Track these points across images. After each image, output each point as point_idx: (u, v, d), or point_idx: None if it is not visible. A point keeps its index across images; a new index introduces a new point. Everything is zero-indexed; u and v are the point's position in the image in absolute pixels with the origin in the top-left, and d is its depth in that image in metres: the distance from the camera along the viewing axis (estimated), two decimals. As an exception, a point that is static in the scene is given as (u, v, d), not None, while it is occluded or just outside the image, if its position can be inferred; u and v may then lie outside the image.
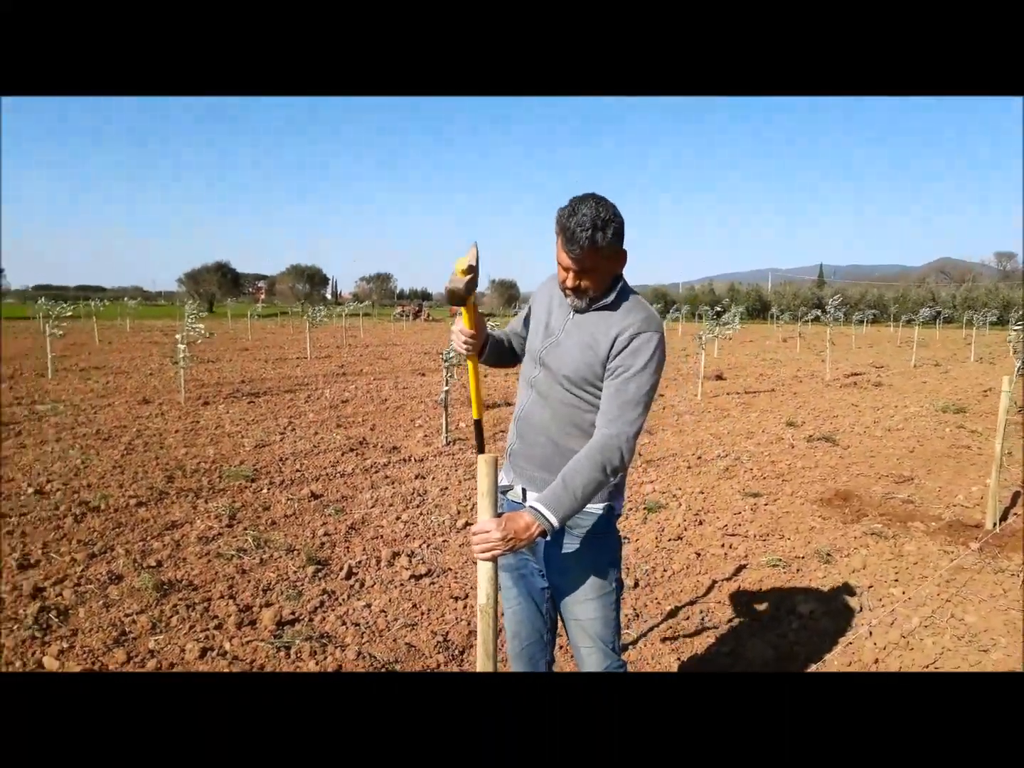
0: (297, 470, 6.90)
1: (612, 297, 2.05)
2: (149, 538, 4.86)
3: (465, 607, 3.93)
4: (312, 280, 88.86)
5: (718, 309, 15.77)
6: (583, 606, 2.15)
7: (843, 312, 18.82)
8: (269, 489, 6.18)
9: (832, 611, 3.86)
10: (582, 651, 2.18)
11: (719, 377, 15.86)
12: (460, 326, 2.05)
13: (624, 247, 2.01)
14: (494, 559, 1.81)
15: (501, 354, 2.31)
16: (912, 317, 40.64)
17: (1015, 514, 5.51)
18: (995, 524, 5.16)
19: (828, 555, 4.73)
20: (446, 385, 8.48)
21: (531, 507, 1.87)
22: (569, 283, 2.00)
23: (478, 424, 2.18)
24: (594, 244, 1.90)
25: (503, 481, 2.25)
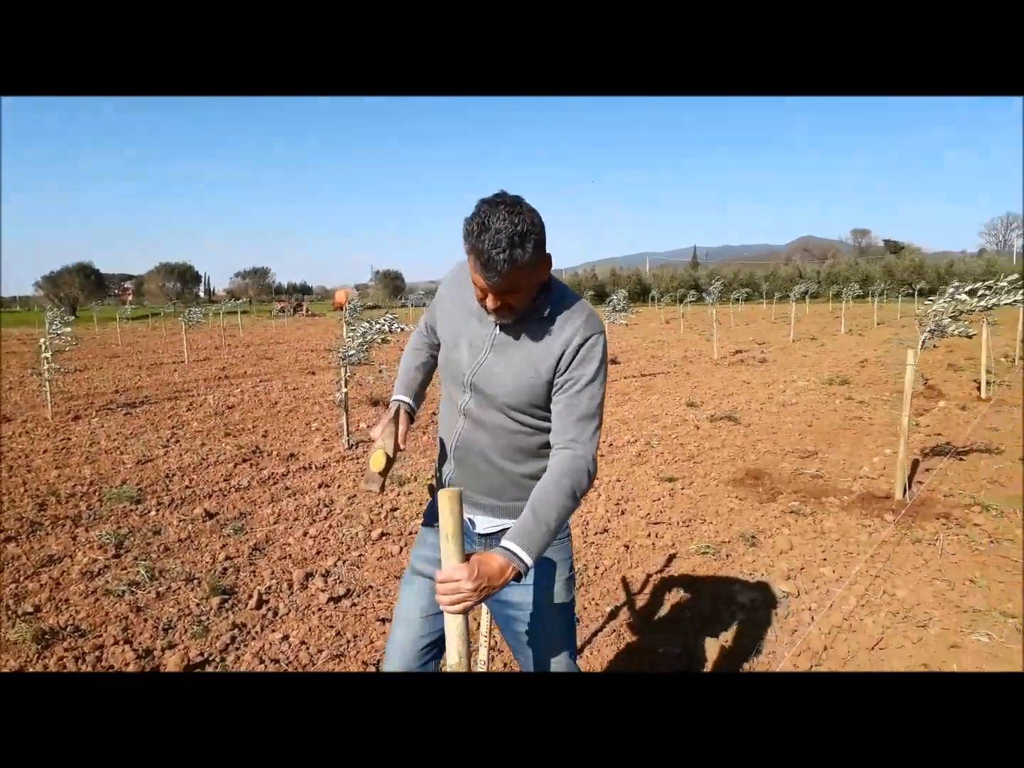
0: (187, 487, 6.36)
1: (542, 307, 1.80)
2: (22, 578, 4.28)
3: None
4: (183, 278, 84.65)
5: (610, 296, 15.84)
6: (552, 619, 1.99)
7: (719, 292, 19.43)
8: (158, 510, 5.64)
9: (770, 598, 3.82)
10: (552, 664, 1.99)
11: (613, 361, 16.04)
12: (370, 464, 1.85)
13: (547, 251, 1.72)
14: (465, 612, 1.53)
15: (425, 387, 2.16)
16: (786, 294, 42.77)
17: (918, 482, 5.70)
18: (904, 494, 5.31)
19: (753, 537, 4.71)
20: (344, 386, 8.07)
21: (504, 548, 1.60)
22: (490, 305, 1.72)
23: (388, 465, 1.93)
24: (514, 264, 1.60)
25: None
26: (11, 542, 4.88)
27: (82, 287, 76.23)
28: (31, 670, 3.22)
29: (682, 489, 5.96)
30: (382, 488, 1.83)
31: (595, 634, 3.59)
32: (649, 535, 4.90)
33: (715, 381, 12.49)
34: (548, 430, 1.84)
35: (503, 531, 1.90)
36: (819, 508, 5.28)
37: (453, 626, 1.53)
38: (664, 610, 3.79)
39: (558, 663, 2.00)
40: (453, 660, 1.52)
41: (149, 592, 4.10)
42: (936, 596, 3.71)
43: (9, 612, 3.79)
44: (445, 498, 1.49)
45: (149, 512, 5.61)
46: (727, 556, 4.48)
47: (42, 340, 10.64)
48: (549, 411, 1.83)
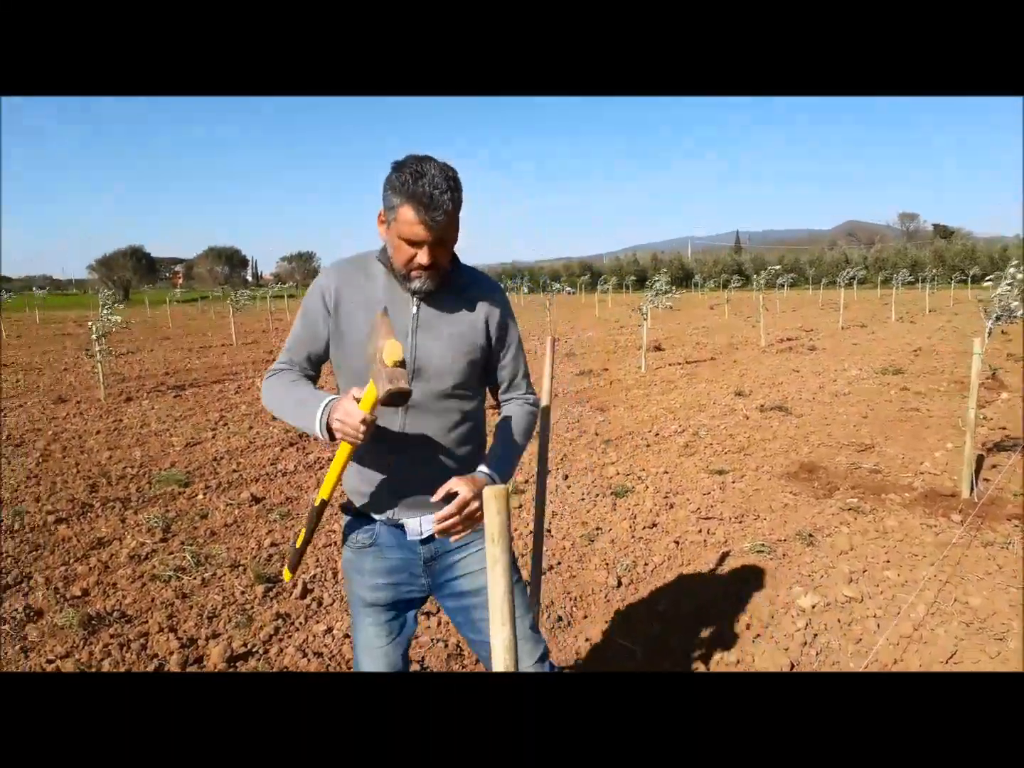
0: (234, 470, 6.38)
1: (457, 277, 1.83)
2: (72, 561, 4.31)
3: (439, 624, 3.56)
4: (231, 262, 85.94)
5: (656, 280, 15.58)
6: (473, 597, 1.92)
7: (765, 278, 19.00)
8: (205, 494, 5.66)
9: (833, 603, 3.64)
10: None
11: (658, 348, 15.80)
12: (358, 412, 1.56)
13: None
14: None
15: None
16: (832, 280, 41.77)
17: (985, 480, 5.44)
18: (971, 492, 5.07)
19: (810, 536, 4.53)
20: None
21: (484, 472, 1.75)
22: (425, 260, 1.67)
23: (321, 509, 1.83)
24: (455, 204, 1.65)
25: (384, 515, 1.86)
26: (62, 523, 4.93)
27: (134, 270, 78.07)
28: (77, 656, 3.21)
29: (733, 483, 5.78)
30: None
31: (646, 637, 3.47)
32: (700, 531, 4.75)
33: (763, 369, 12.18)
34: (476, 409, 1.89)
35: None
36: (879, 505, 5.06)
37: (500, 639, 1.41)
38: (719, 614, 3.64)
39: (523, 638, 1.92)
40: (501, 632, 1.40)
41: (195, 578, 4.09)
42: (1013, 605, 3.49)
43: (58, 596, 3.81)
44: (493, 497, 1.38)
45: (196, 495, 5.63)
46: (783, 555, 4.31)
47: (92, 323, 10.81)
48: (482, 384, 1.92)
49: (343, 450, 1.68)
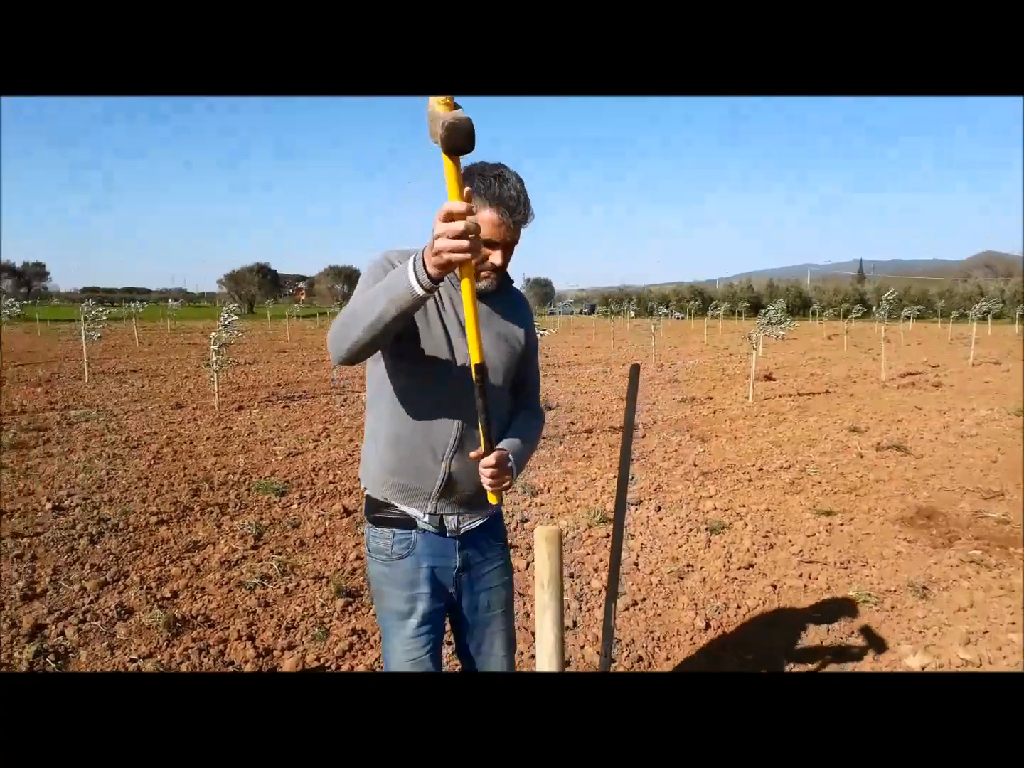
0: (330, 482, 6.49)
1: (506, 280, 1.92)
2: (167, 562, 4.46)
3: (519, 654, 3.44)
4: (350, 280, 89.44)
5: (767, 307, 15.05)
6: (507, 615, 2.04)
7: (888, 309, 17.92)
8: (300, 504, 5.77)
9: (946, 666, 3.29)
10: (505, 661, 2.03)
11: (768, 378, 15.17)
12: (452, 205, 1.40)
13: None
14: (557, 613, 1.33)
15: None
16: (963, 313, 39.25)
17: None
18: (1116, 553, 4.53)
19: (924, 588, 4.14)
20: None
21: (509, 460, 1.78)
22: (499, 261, 1.76)
23: (481, 370, 1.60)
24: (530, 207, 1.75)
25: (427, 510, 1.87)
26: (163, 525, 5.12)
27: (260, 286, 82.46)
28: (158, 658, 3.28)
29: (841, 525, 5.39)
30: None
31: (733, 685, 3.23)
32: (801, 575, 4.43)
33: (882, 405, 11.47)
34: (510, 410, 1.97)
35: (480, 527, 1.93)
36: (1007, 559, 4.59)
37: (548, 635, 1.28)
38: (813, 667, 3.36)
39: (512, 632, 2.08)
40: (544, 668, 1.28)
41: (279, 587, 4.14)
42: None
43: (149, 596, 3.93)
44: (544, 539, 1.26)
45: (291, 505, 5.75)
46: (891, 608, 3.95)
47: (212, 333, 11.37)
48: (514, 387, 1.97)
49: (467, 285, 1.49)
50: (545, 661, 1.31)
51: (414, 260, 1.48)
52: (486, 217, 1.68)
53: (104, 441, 8.03)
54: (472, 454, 1.71)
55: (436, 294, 1.80)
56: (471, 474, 1.79)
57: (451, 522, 1.88)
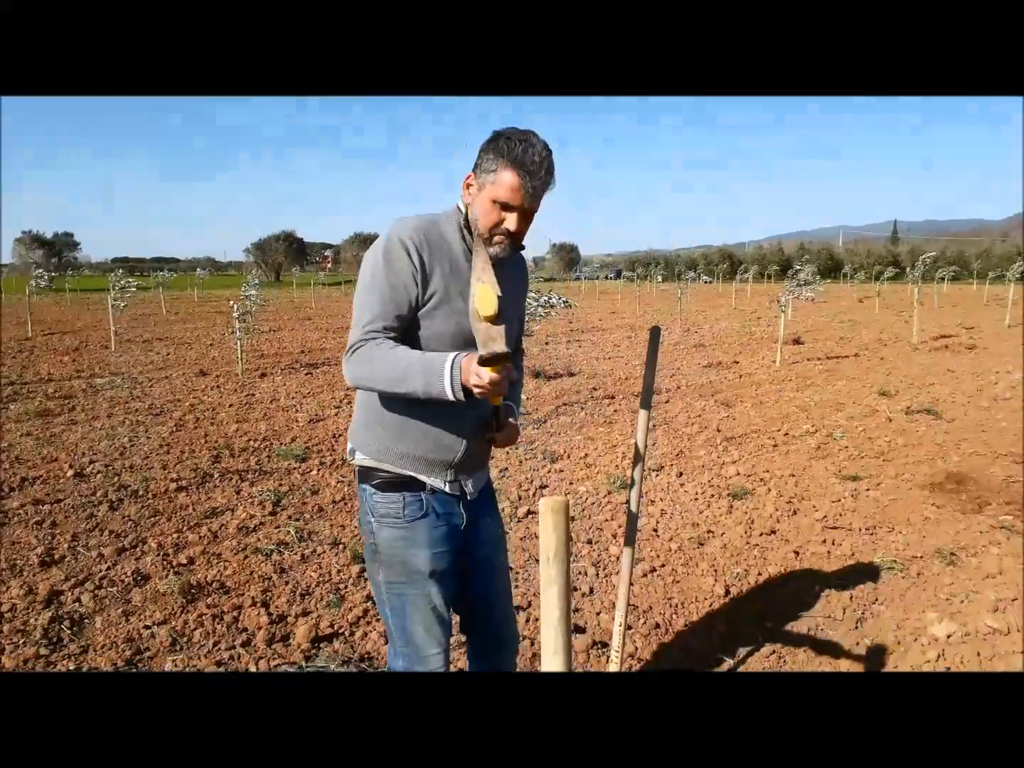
0: (349, 448, 6.47)
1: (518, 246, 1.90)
2: (185, 528, 4.47)
3: (528, 620, 3.41)
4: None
5: (796, 268, 14.72)
6: (505, 564, 2.19)
7: (922, 268, 17.35)
8: (319, 470, 5.76)
9: (973, 634, 3.19)
10: (505, 628, 2.15)
11: (796, 341, 14.90)
12: (486, 374, 1.57)
13: None
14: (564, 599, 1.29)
15: None
16: (1001, 274, 38.17)
17: None
18: None
19: (952, 555, 4.03)
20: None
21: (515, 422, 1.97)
22: (513, 226, 1.74)
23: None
24: (552, 180, 1.74)
25: (444, 479, 1.92)
26: (182, 492, 5.14)
27: (286, 254, 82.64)
28: (172, 624, 3.29)
29: (867, 490, 5.27)
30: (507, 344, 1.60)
31: (751, 652, 3.16)
32: (824, 541, 4.33)
33: (913, 368, 11.21)
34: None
35: (483, 489, 2.06)
36: (1039, 526, 4.45)
37: (553, 611, 1.20)
38: (836, 635, 3.28)
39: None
40: (553, 661, 1.20)
41: (295, 554, 4.13)
42: None
43: (166, 562, 3.94)
44: (550, 510, 1.17)
45: (311, 471, 5.74)
46: (918, 575, 3.85)
47: (233, 301, 11.38)
48: None
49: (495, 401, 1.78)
50: (550, 636, 1.23)
51: (451, 370, 1.60)
52: (505, 179, 1.69)
53: (128, 408, 8.10)
54: (488, 436, 1.89)
55: (459, 269, 1.84)
56: (483, 442, 1.93)
57: (469, 485, 1.95)
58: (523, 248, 1.89)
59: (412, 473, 1.86)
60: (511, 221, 1.73)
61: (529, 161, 1.67)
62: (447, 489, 1.90)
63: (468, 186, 1.80)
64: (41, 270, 18.20)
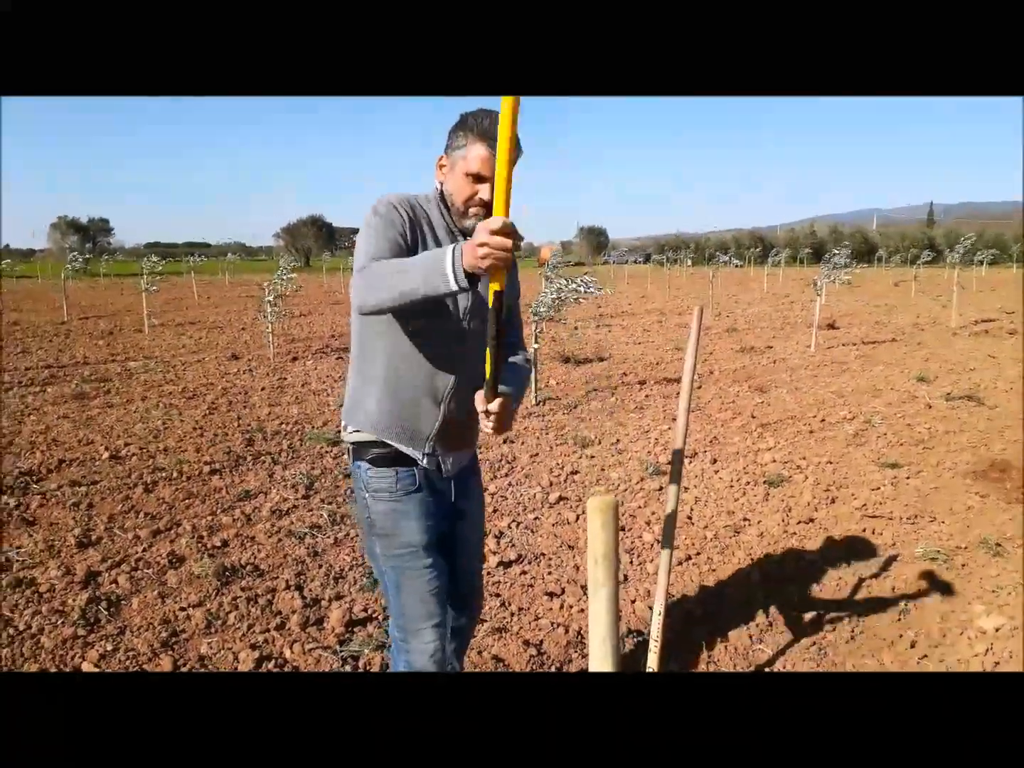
0: (380, 432, 6.47)
1: None
2: (219, 511, 4.49)
3: (562, 607, 3.37)
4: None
5: (834, 252, 14.46)
6: (481, 537, 2.35)
7: (961, 251, 16.89)
8: (344, 454, 5.76)
9: (1019, 627, 3.09)
10: (477, 578, 2.32)
11: (831, 326, 14.63)
12: (495, 222, 1.47)
13: None
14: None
15: None
16: (1044, 256, 37.11)
17: None
18: None
19: (998, 546, 3.91)
20: (535, 341, 7.87)
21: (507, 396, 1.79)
22: (487, 196, 1.79)
23: (499, 297, 1.58)
24: (519, 150, 1.72)
25: (425, 452, 1.96)
26: (216, 475, 5.17)
27: (315, 238, 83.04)
28: (207, 606, 3.30)
29: (907, 479, 5.15)
30: None
31: (790, 645, 3.09)
32: (864, 530, 4.24)
33: (953, 353, 10.95)
34: None
35: (465, 467, 2.12)
36: (1088, 516, 4.31)
37: (603, 616, 1.14)
38: (878, 627, 3.20)
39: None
40: (603, 666, 1.15)
41: (328, 537, 4.14)
42: None
43: (200, 544, 3.96)
44: (597, 511, 1.12)
45: (342, 455, 5.74)
46: (962, 566, 3.74)
47: (266, 284, 11.43)
48: None
49: (495, 286, 1.56)
50: (599, 641, 1.18)
51: (452, 254, 1.54)
52: (475, 151, 1.77)
53: (162, 392, 8.18)
54: (478, 399, 1.74)
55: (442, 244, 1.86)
56: (465, 415, 1.93)
57: (446, 463, 2.01)
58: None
59: (393, 443, 1.91)
60: (484, 191, 1.79)
61: (496, 133, 1.61)
62: (424, 463, 1.94)
63: (441, 167, 1.89)
64: (76, 254, 18.43)
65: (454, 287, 1.54)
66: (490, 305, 1.58)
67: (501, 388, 1.74)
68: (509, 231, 1.46)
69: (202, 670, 2.85)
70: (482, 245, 1.46)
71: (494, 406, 1.71)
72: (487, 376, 1.69)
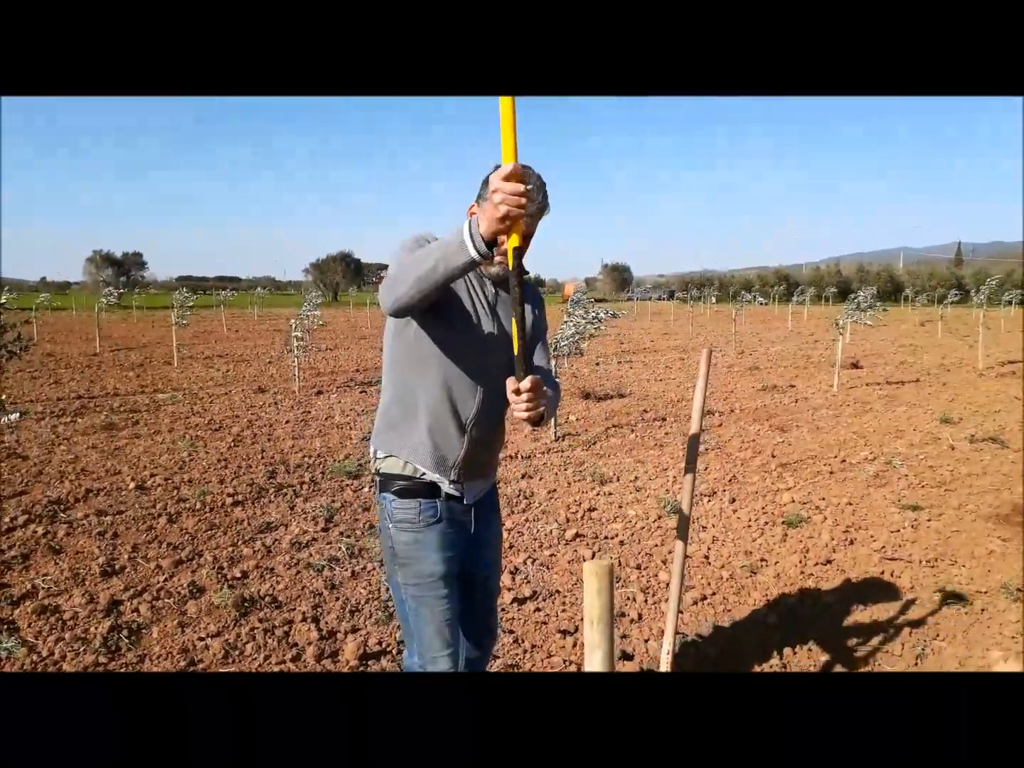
0: (400, 467, 6.53)
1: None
2: (240, 543, 4.57)
3: (575, 645, 3.38)
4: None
5: (859, 293, 14.41)
6: (498, 573, 2.36)
7: (988, 292, 16.74)
8: (371, 487, 5.83)
9: (1040, 675, 3.06)
10: (491, 618, 2.33)
11: (855, 365, 14.54)
12: (512, 168, 1.51)
13: None
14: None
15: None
16: (1074, 297, 36.64)
17: None
18: None
19: (1018, 591, 3.87)
20: (555, 376, 7.92)
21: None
22: (513, 244, 1.84)
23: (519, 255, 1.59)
24: (546, 204, 1.91)
25: (450, 479, 2.04)
26: (239, 506, 5.26)
27: (343, 274, 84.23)
28: (226, 637, 3.35)
29: (928, 521, 5.10)
30: None
31: (804, 686, 3.08)
32: (883, 573, 4.21)
33: (978, 395, 10.83)
34: None
35: (485, 495, 2.18)
36: (1113, 563, 4.25)
37: (598, 626, 1.16)
38: (895, 671, 3.17)
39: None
40: (600, 663, 1.17)
41: (346, 570, 4.18)
42: None
43: (220, 575, 4.03)
44: (593, 575, 1.15)
45: (363, 488, 5.82)
46: (982, 611, 3.70)
47: (292, 320, 11.64)
48: None
49: (514, 240, 1.56)
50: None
51: (469, 225, 1.59)
52: None
53: (188, 423, 8.33)
54: (509, 382, 1.69)
55: (471, 284, 1.99)
56: (486, 443, 2.07)
57: (469, 491, 2.08)
58: (527, 272, 1.87)
59: (425, 469, 1.99)
60: (511, 239, 1.79)
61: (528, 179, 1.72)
62: (449, 489, 2.02)
63: (472, 215, 1.84)
64: (110, 288, 18.90)
65: (473, 254, 1.58)
66: (510, 265, 1.57)
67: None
68: (520, 176, 1.49)
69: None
70: (495, 191, 1.50)
71: (526, 383, 1.65)
72: (515, 353, 1.66)
